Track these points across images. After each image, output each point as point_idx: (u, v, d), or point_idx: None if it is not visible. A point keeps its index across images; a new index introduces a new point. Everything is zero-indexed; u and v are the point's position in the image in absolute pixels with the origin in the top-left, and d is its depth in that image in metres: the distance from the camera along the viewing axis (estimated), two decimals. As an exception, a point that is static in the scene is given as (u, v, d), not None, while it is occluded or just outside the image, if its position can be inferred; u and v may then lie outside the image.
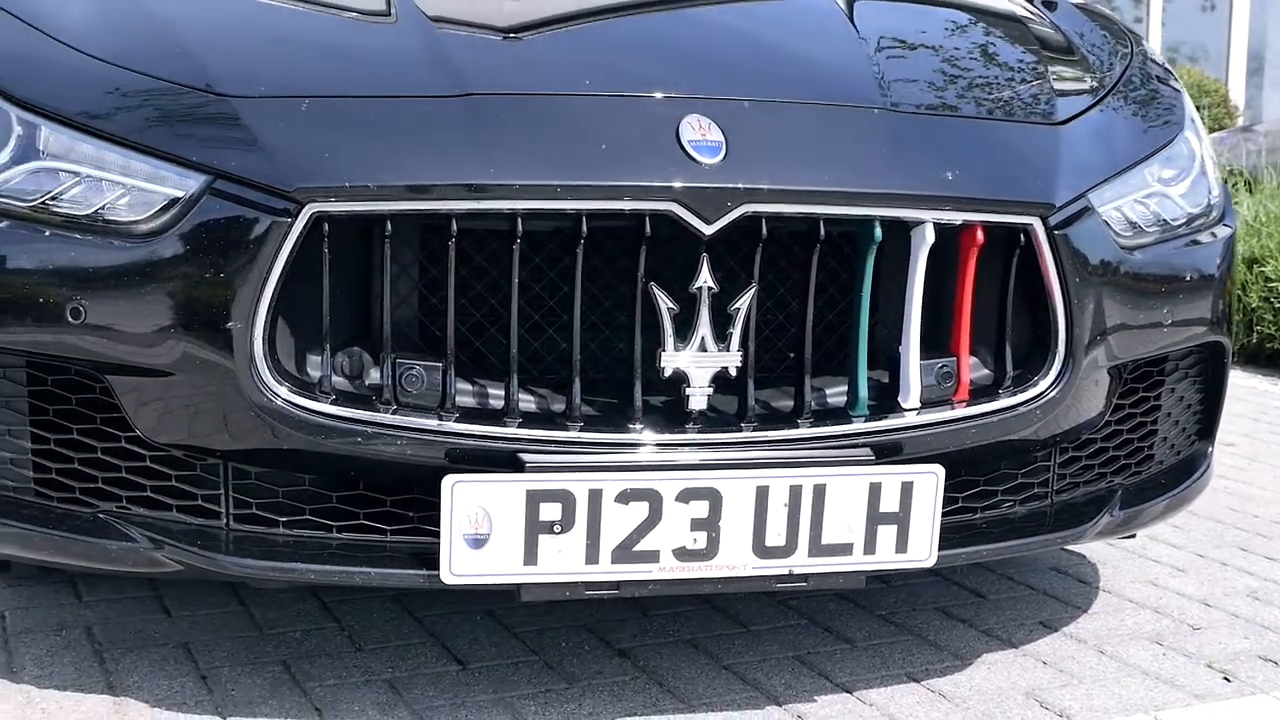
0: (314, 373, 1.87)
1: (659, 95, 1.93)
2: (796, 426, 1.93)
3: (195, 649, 2.25)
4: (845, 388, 2.00)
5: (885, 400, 1.99)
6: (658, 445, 1.87)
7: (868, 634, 2.40)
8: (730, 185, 1.83)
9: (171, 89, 1.90)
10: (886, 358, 2.01)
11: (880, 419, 1.97)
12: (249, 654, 2.24)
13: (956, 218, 1.94)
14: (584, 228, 1.81)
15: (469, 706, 2.08)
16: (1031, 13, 2.65)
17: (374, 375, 1.88)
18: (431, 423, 1.83)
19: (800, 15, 2.37)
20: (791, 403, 1.97)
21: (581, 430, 1.86)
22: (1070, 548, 2.80)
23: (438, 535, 1.86)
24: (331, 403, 1.83)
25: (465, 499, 1.77)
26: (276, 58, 1.99)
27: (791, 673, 2.23)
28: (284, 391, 1.81)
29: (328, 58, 2.00)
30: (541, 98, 1.91)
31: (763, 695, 2.14)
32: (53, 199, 1.86)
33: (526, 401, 1.89)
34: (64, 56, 1.98)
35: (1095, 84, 2.30)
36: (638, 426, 1.88)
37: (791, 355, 2.03)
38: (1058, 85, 2.23)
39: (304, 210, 1.77)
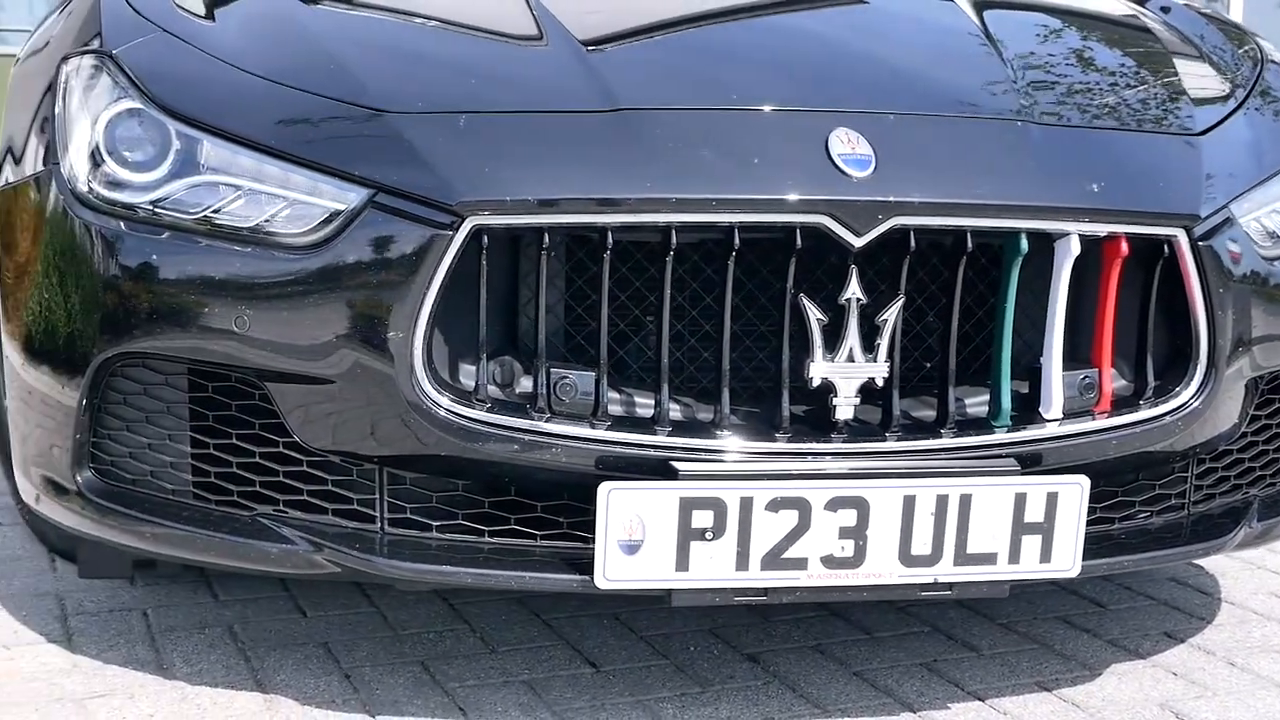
0: (466, 381, 1.91)
1: (806, 109, 1.96)
2: (941, 436, 1.95)
3: (335, 649, 2.30)
4: (985, 398, 2.01)
5: (1026, 411, 2.00)
6: (806, 454, 1.90)
7: (992, 642, 2.41)
8: (881, 199, 1.85)
9: (330, 105, 1.95)
10: (1025, 368, 2.03)
11: (1022, 429, 1.98)
12: (387, 654, 2.29)
13: (1101, 230, 1.95)
14: (736, 240, 1.84)
15: (609, 709, 2.11)
16: (1152, 17, 2.65)
17: (525, 383, 1.92)
18: (585, 431, 1.87)
19: (934, 25, 2.39)
20: (933, 412, 1.99)
21: (730, 438, 1.90)
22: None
23: (587, 540, 1.90)
24: (487, 410, 1.87)
25: (621, 506, 1.80)
26: (431, 75, 2.04)
27: (922, 680, 2.25)
28: (443, 400, 1.85)
29: (480, 75, 2.04)
30: (691, 112, 1.94)
31: (896, 702, 2.16)
32: (215, 212, 1.92)
33: (674, 410, 1.92)
34: (223, 73, 2.04)
35: (1228, 89, 2.31)
36: (786, 435, 1.90)
37: (928, 365, 2.05)
38: (1193, 93, 2.24)
39: (464, 223, 1.81)
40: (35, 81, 2.29)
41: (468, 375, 1.91)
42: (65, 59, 2.14)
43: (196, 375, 1.96)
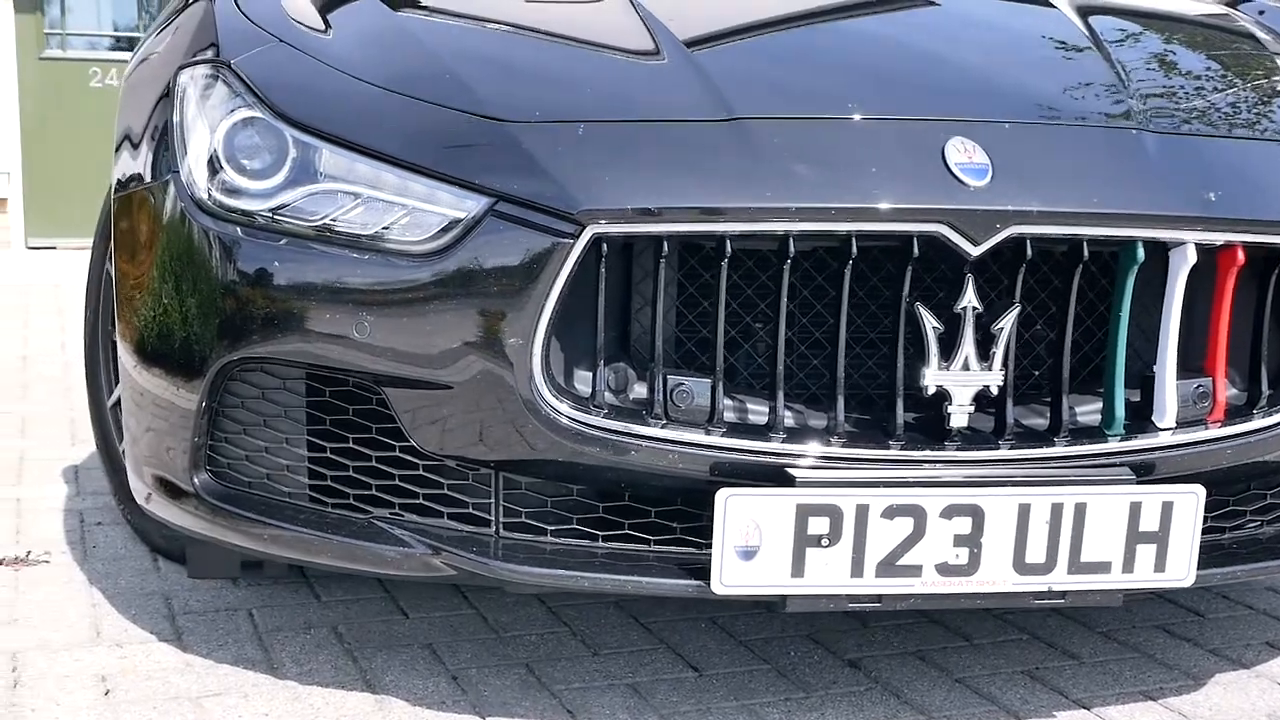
0: (580, 386, 1.93)
1: (921, 117, 1.97)
2: (1054, 444, 1.95)
3: (439, 650, 2.33)
4: (1097, 406, 2.01)
5: (1138, 420, 2.00)
6: (921, 461, 1.90)
7: (1093, 650, 2.41)
8: (999, 208, 1.85)
9: (449, 114, 1.97)
10: (1137, 376, 2.02)
11: (1136, 438, 1.98)
12: (491, 656, 2.31)
13: (1218, 238, 1.95)
14: (853, 248, 1.85)
15: (714, 712, 2.13)
16: (1249, 20, 2.63)
17: (638, 389, 1.93)
18: (701, 437, 1.88)
19: (1042, 32, 2.38)
20: (1046, 420, 1.99)
21: (844, 445, 1.90)
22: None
23: (699, 545, 1.92)
24: (604, 416, 1.88)
25: (738, 512, 1.82)
26: (546, 85, 2.05)
27: (1025, 688, 2.24)
28: (561, 406, 1.87)
29: (596, 84, 2.06)
30: (806, 121, 1.95)
31: (1001, 710, 2.16)
32: (334, 219, 1.94)
33: (787, 416, 1.93)
34: (339, 82, 2.07)
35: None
36: (900, 442, 1.91)
37: (1036, 373, 2.05)
38: None
39: (585, 232, 1.83)
40: (148, 90, 2.33)
41: (582, 380, 1.93)
42: (182, 68, 2.17)
43: (314, 380, 1.99)
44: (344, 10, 2.37)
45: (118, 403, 2.87)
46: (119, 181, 2.31)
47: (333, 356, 1.93)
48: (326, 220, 1.95)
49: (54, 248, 10.03)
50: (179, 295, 2.04)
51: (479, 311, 1.87)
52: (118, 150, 2.35)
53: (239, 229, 1.98)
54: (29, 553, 2.76)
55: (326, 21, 2.25)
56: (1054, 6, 2.55)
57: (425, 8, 2.37)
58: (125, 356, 2.21)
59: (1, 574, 2.65)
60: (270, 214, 1.98)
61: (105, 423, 2.89)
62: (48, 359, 5.06)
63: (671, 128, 1.94)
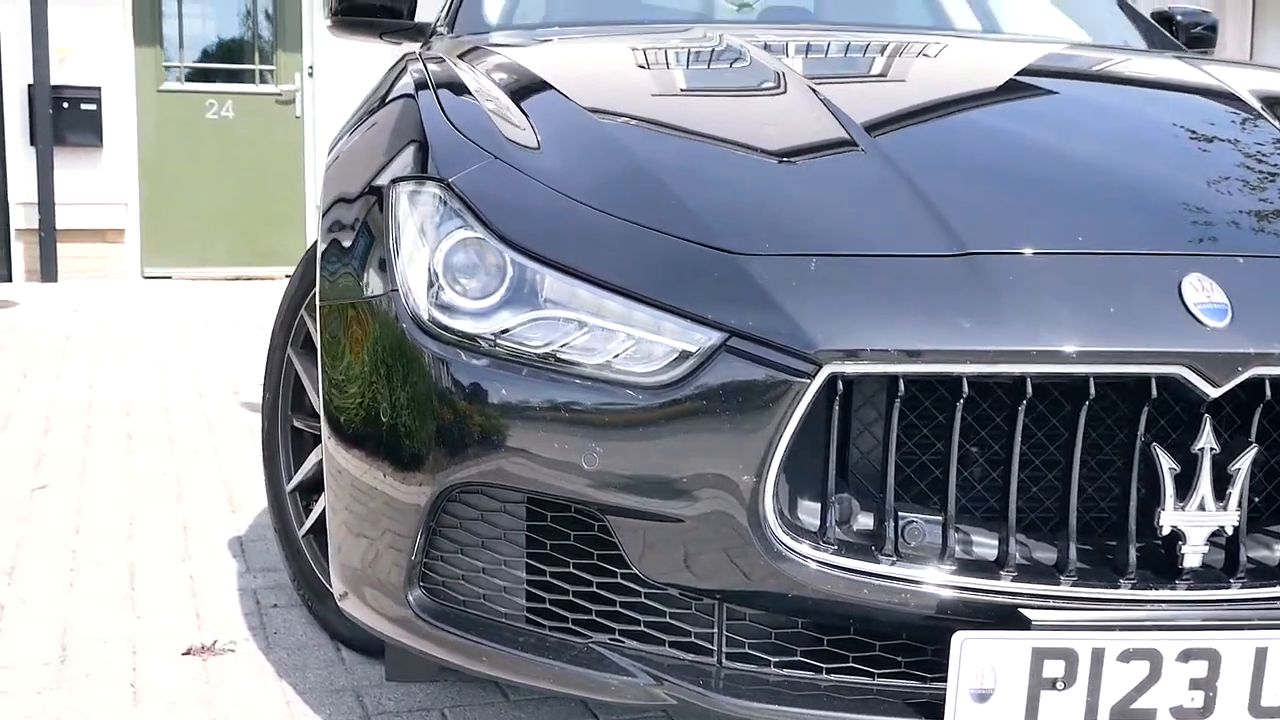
0: (805, 517, 1.92)
1: (1155, 253, 1.94)
2: None
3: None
4: (1329, 541, 1.97)
5: (1368, 559, 1.96)
6: (1155, 602, 1.88)
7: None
8: (1241, 350, 1.83)
9: (674, 243, 1.97)
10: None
11: (1369, 577, 1.93)
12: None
13: None
14: (1091, 389, 1.83)
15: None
16: None
17: (863, 521, 1.93)
18: (933, 575, 1.87)
19: (1255, 142, 2.35)
20: (1276, 554, 1.96)
21: (1076, 585, 1.88)
22: None
23: (923, 679, 1.92)
24: (834, 553, 1.88)
25: (974, 655, 1.80)
26: (773, 212, 2.05)
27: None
28: (792, 542, 1.87)
29: (822, 212, 2.05)
30: (1041, 257, 1.93)
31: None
32: (558, 347, 1.96)
33: (1018, 554, 1.91)
34: (558, 204, 2.08)
35: None
36: (1133, 581, 1.89)
37: (1267, 511, 2.01)
38: None
39: (821, 371, 1.82)
40: (354, 188, 2.36)
41: (807, 511, 1.93)
42: (397, 181, 2.20)
43: (535, 504, 2.01)
44: (542, 111, 2.38)
45: (296, 487, 2.92)
46: (328, 286, 2.33)
47: (559, 485, 1.94)
48: (551, 347, 1.96)
49: (169, 277, 10.23)
50: (398, 415, 2.07)
51: (711, 446, 1.87)
52: (325, 255, 2.38)
53: (463, 353, 2.00)
54: (215, 641, 2.80)
55: (530, 124, 2.27)
56: (1243, 101, 2.51)
57: (612, 107, 2.39)
58: (336, 464, 2.23)
59: (191, 664, 2.69)
60: (494, 338, 2.00)
61: (283, 508, 2.94)
62: (187, 410, 5.15)
63: (905, 262, 1.93)
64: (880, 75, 2.93)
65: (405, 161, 2.27)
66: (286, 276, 10.27)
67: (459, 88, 2.50)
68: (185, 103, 10.21)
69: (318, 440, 2.92)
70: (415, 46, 3.58)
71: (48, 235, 9.24)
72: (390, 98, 2.65)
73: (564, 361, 1.95)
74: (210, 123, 10.26)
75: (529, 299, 2.00)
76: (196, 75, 10.31)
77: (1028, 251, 1.94)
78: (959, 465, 1.94)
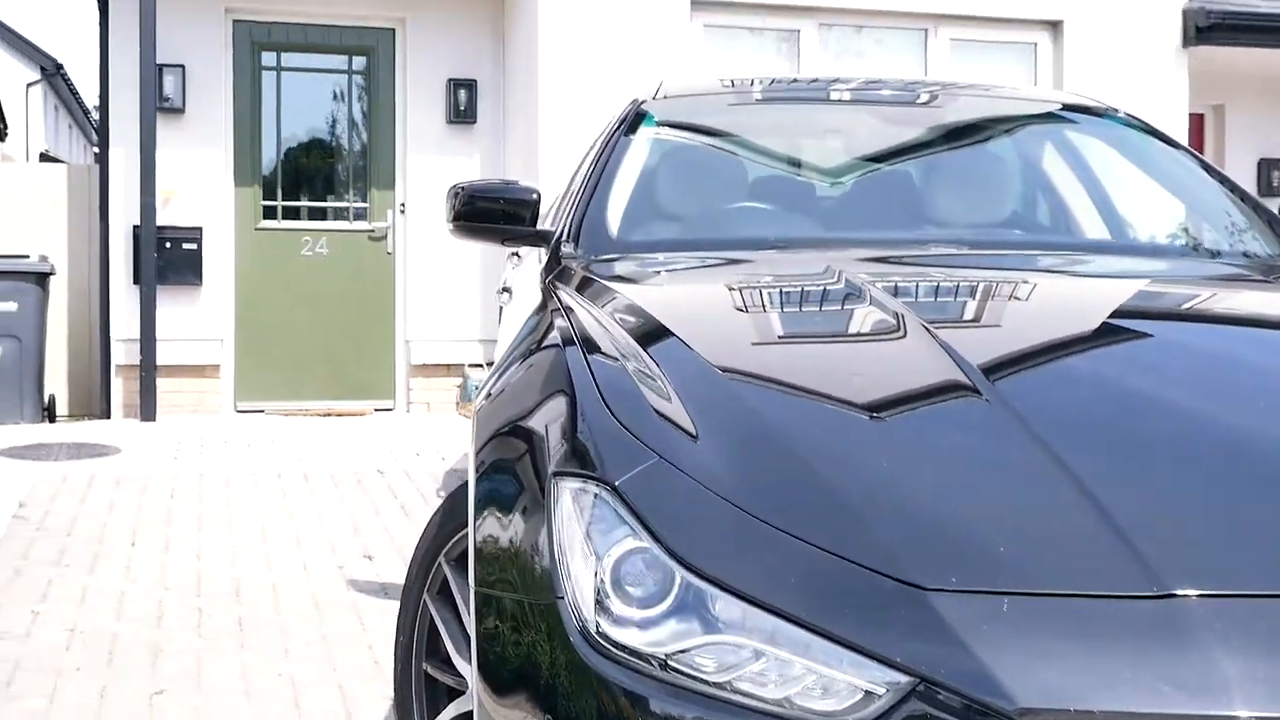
0: None
1: None
2: None
3: None
4: None
5: None
6: None
7: None
8: None
9: (854, 570, 1.90)
10: None
11: None
12: None
13: None
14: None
15: None
16: None
17: None
18: None
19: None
20: None
21: None
22: None
23: None
24: None
25: None
26: (954, 535, 1.97)
27: None
28: None
29: (1005, 536, 1.95)
30: (1244, 600, 1.84)
31: None
32: (734, 675, 1.89)
33: None
34: (728, 516, 2.02)
35: None
36: None
37: None
38: None
39: (1019, 726, 1.75)
40: (511, 462, 2.35)
41: None
42: (560, 475, 2.16)
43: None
44: (694, 391, 2.33)
45: (431, 739, 2.87)
46: (483, 570, 2.29)
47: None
48: (727, 676, 1.90)
49: (261, 411, 10.32)
50: (564, 726, 2.01)
51: (903, 793, 1.79)
52: (480, 531, 2.34)
53: (634, 673, 1.95)
54: None
55: (693, 422, 2.22)
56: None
57: (747, 367, 2.42)
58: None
59: None
60: (665, 658, 1.94)
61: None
62: (295, 589, 5.13)
63: (1102, 604, 1.84)
64: (1046, 360, 2.69)
65: (560, 440, 2.25)
66: (376, 410, 10.37)
67: (600, 344, 2.54)
68: (282, 240, 10.38)
69: (451, 691, 2.88)
70: (539, 252, 3.61)
71: (148, 374, 9.36)
72: (544, 344, 2.68)
73: (740, 691, 1.89)
74: (305, 259, 10.41)
75: (701, 620, 1.95)
76: (292, 213, 10.49)
77: (1232, 594, 1.85)
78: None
